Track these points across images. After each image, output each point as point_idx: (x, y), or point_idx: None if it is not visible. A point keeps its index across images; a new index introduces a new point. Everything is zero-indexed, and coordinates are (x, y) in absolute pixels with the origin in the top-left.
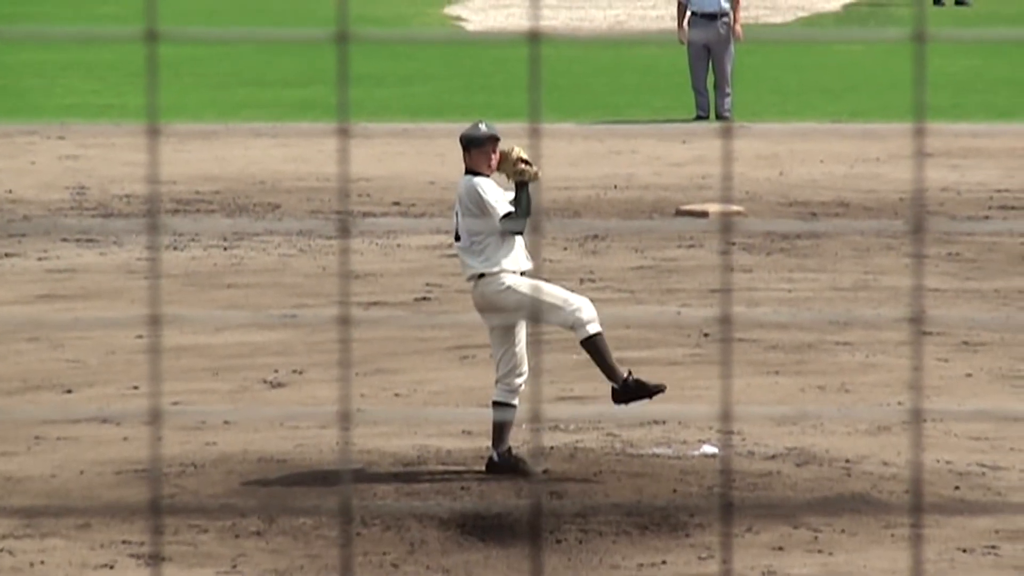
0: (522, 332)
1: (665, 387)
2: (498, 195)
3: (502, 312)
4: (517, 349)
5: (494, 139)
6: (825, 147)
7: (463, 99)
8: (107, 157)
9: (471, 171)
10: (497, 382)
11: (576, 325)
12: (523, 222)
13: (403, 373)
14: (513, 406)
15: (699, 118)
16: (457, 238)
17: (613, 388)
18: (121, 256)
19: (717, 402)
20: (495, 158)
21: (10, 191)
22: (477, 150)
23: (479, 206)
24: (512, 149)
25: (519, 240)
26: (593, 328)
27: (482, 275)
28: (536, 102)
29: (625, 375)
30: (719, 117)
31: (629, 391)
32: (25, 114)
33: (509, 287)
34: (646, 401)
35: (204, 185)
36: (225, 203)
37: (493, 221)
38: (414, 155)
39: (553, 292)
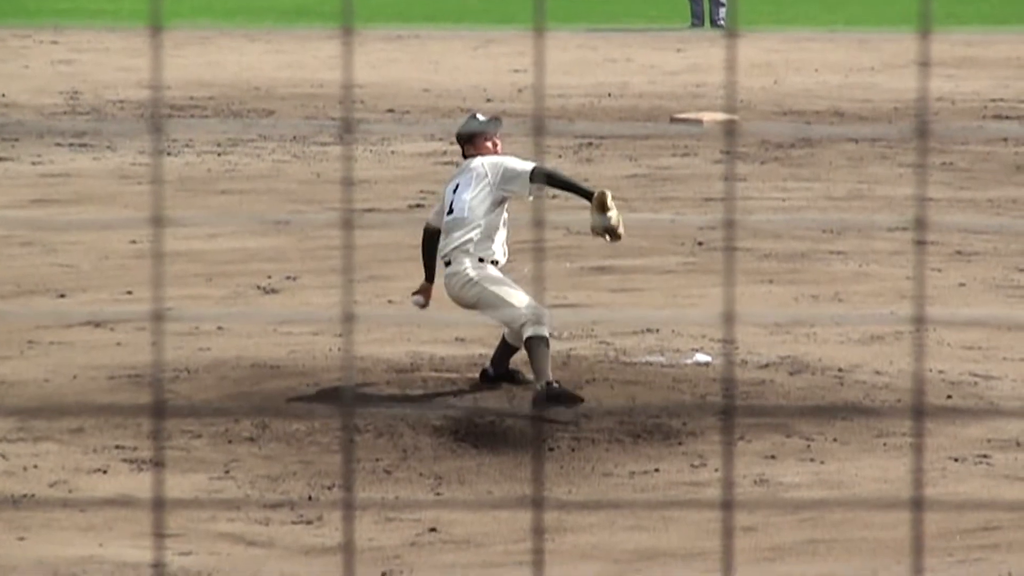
0: (509, 288)
1: (583, 399)
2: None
3: (467, 303)
4: (515, 301)
5: (495, 122)
6: (820, 56)
7: (457, 5)
8: (100, 62)
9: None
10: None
11: (527, 325)
12: (551, 173)
13: (396, 280)
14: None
15: (694, 26)
16: (450, 211)
17: (536, 388)
18: (114, 161)
19: (712, 310)
20: (499, 143)
21: (3, 95)
22: (480, 137)
23: (506, 173)
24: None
25: (501, 235)
26: (542, 331)
27: (448, 263)
28: (540, 6)
29: (552, 380)
30: (714, 25)
31: (552, 395)
32: (17, 18)
33: (471, 280)
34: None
35: (198, 91)
36: (219, 109)
37: (524, 179)
38: (408, 62)
39: (515, 294)
